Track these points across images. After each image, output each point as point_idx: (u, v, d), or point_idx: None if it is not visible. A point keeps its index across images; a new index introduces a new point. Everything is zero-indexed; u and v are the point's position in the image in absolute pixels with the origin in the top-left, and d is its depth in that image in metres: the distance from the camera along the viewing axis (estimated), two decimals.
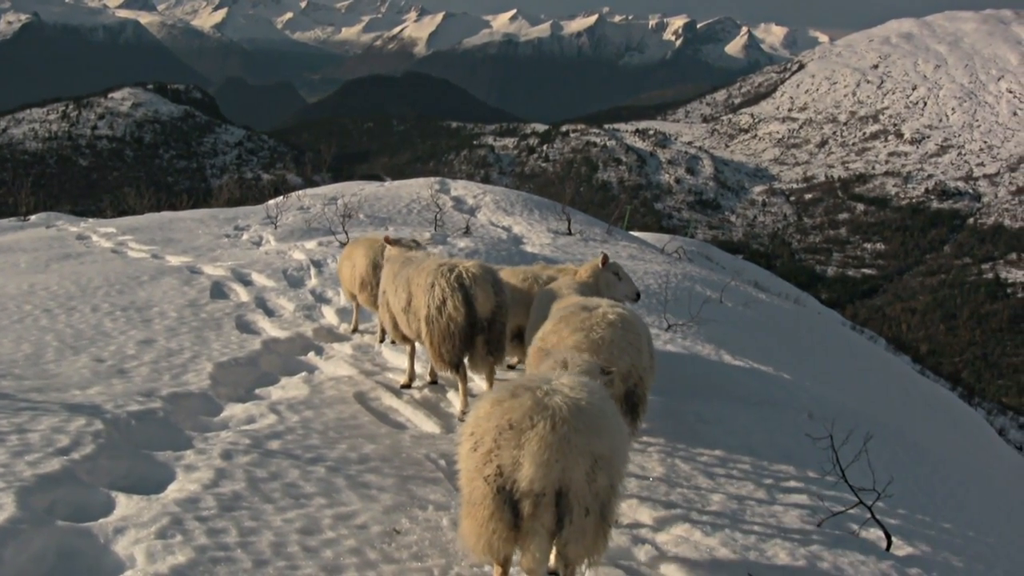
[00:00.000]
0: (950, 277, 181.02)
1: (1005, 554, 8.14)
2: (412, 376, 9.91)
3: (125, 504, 6.09)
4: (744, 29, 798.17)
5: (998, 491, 12.21)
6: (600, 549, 5.27)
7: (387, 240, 10.36)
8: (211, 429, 7.99)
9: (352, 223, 20.85)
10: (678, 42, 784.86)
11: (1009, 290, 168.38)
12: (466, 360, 8.81)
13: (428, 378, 10.08)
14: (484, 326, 8.64)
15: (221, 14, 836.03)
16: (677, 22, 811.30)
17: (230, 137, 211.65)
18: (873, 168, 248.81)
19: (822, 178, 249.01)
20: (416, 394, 9.57)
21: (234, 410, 8.60)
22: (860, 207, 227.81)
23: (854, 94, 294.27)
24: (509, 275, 10.54)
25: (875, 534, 7.17)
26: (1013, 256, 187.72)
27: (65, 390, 8.40)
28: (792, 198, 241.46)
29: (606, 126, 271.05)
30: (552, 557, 5.36)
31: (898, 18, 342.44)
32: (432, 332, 8.72)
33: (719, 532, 6.79)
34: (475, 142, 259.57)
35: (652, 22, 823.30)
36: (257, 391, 9.44)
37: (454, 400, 9.46)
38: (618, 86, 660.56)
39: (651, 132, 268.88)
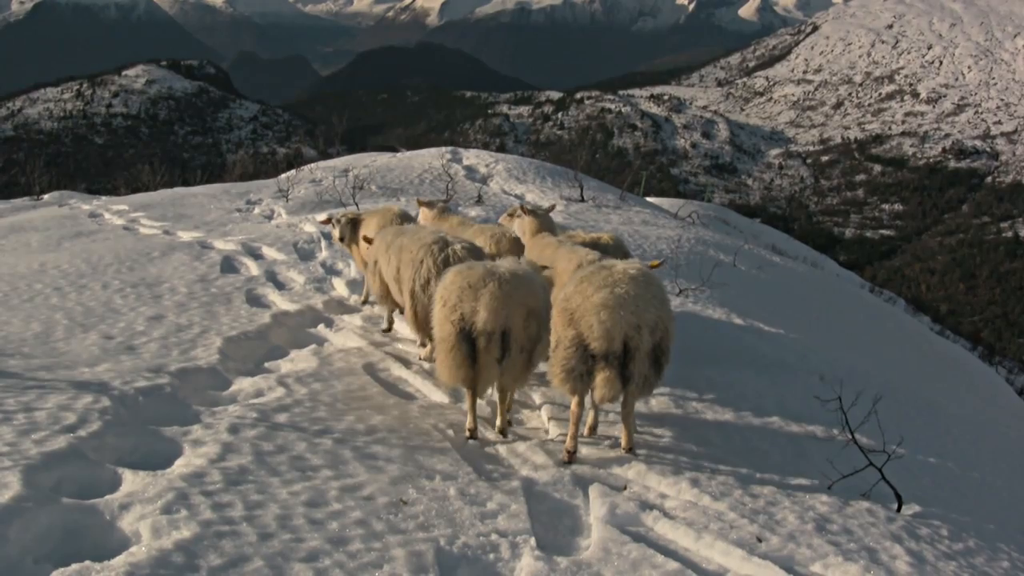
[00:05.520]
0: (969, 236, 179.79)
1: (1018, 513, 8.10)
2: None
3: (131, 480, 6.09)
4: None
5: (1013, 450, 12.15)
6: (524, 381, 7.78)
7: (419, 202, 12.19)
8: (219, 403, 8.00)
9: (363, 195, 20.85)
10: (691, 6, 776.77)
11: None
12: None
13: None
14: None
15: None
16: None
17: (245, 112, 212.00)
18: (889, 129, 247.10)
19: (838, 140, 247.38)
20: (426, 364, 9.53)
21: (242, 384, 8.61)
22: (877, 168, 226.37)
23: (869, 55, 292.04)
24: (477, 233, 10.78)
25: (886, 495, 7.13)
26: None
27: (73, 368, 8.41)
28: (808, 160, 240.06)
29: (621, 92, 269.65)
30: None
31: None
32: (416, 308, 8.94)
33: (728, 496, 6.75)
34: (490, 111, 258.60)
35: None
36: (266, 364, 9.46)
37: None
38: (632, 52, 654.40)
39: (666, 97, 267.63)
